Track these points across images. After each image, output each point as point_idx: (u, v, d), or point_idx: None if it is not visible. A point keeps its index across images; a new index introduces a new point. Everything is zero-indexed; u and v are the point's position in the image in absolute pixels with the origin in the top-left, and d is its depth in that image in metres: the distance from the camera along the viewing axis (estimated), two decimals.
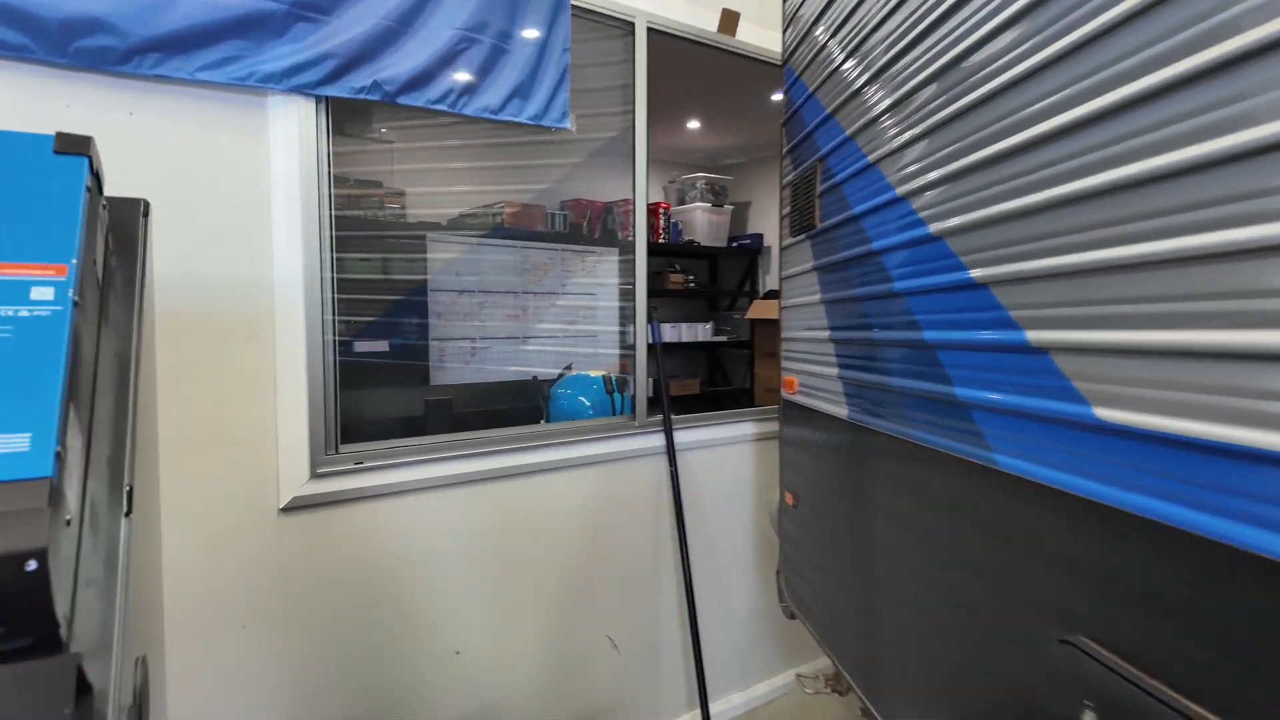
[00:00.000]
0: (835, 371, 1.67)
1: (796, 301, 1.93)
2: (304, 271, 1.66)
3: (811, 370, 1.83)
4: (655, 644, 2.32)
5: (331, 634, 1.72)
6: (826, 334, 1.72)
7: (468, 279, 2.80)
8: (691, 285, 5.10)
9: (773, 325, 4.81)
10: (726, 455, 2.49)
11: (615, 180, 2.44)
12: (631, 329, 2.33)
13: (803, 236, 1.86)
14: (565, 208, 3.79)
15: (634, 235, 2.26)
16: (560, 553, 2.09)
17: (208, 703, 1.58)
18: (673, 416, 2.35)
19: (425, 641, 1.85)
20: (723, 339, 5.11)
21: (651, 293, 2.30)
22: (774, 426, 2.59)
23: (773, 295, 4.94)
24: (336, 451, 1.76)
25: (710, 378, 5.45)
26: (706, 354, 5.42)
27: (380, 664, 1.79)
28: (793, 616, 2.16)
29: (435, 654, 1.87)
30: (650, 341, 2.33)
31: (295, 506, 1.65)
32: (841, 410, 1.63)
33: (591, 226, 3.68)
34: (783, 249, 2.02)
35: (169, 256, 1.51)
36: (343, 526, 1.73)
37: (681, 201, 4.99)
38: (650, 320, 2.32)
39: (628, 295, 2.51)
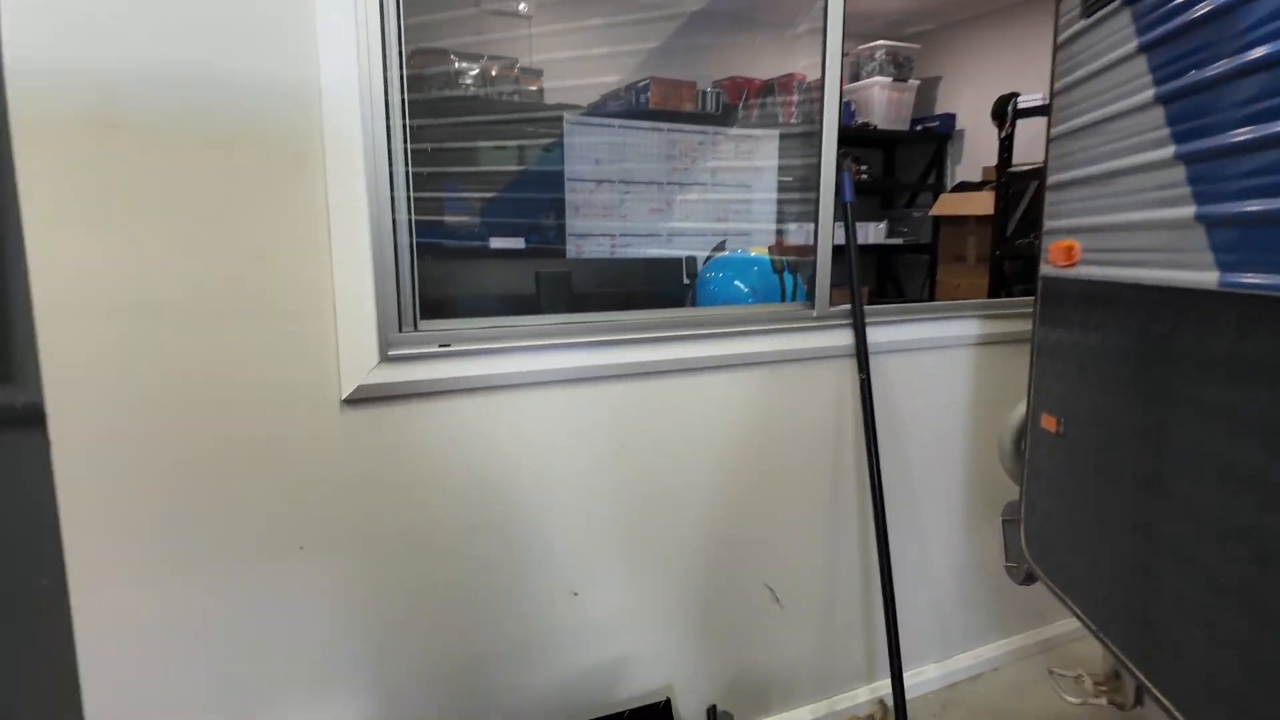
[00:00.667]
0: (1191, 211, 1.03)
1: (1092, 117, 1.23)
2: (357, 72, 1.21)
3: (1124, 221, 1.16)
4: (830, 598, 1.82)
5: (409, 562, 1.36)
6: (1171, 151, 1.07)
7: (608, 168, 2.35)
8: (864, 176, 4.34)
9: (962, 225, 4.13)
10: (937, 363, 1.87)
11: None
12: (815, 198, 1.72)
13: (1115, 4, 1.20)
14: (719, 87, 3.25)
15: (823, 74, 1.65)
16: (708, 478, 1.60)
17: (256, 641, 1.27)
18: (867, 306, 1.75)
19: (532, 579, 1.47)
20: (897, 241, 4.33)
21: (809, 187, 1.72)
22: (1009, 326, 1.94)
23: (966, 187, 4.11)
24: (415, 328, 1.34)
25: (878, 286, 4.69)
26: (876, 258, 4.63)
27: (473, 604, 1.43)
28: (1028, 580, 1.58)
29: (545, 595, 1.48)
30: (844, 200, 1.71)
31: (362, 398, 1.26)
32: (1204, 275, 0.98)
33: (748, 106, 3.11)
34: (1061, 43, 1.35)
35: (160, 41, 1.08)
36: (424, 427, 1.33)
37: (855, 78, 4.19)
38: (841, 171, 1.70)
39: (789, 187, 1.94)
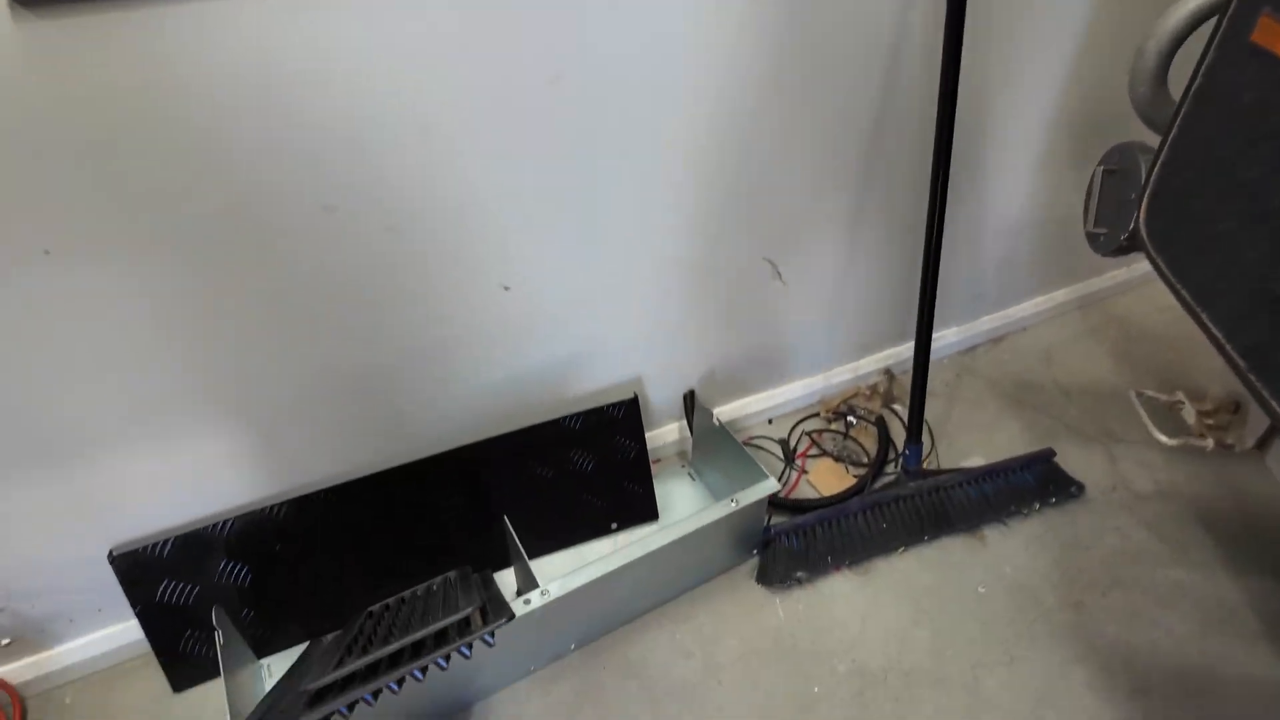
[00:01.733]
0: None
1: None
2: None
3: None
4: (844, 266, 1.42)
5: (250, 259, 0.91)
6: None
7: None
8: None
9: None
10: None
11: None
12: None
13: None
14: None
15: None
16: (690, 116, 1.06)
17: (49, 385, 0.89)
18: None
19: (439, 272, 1.03)
20: None
21: None
22: None
23: None
24: None
25: None
26: None
27: (361, 306, 1.02)
28: (1120, 251, 1.18)
29: (462, 292, 1.07)
30: None
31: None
32: None
33: None
34: None
35: None
36: (194, 40, 0.74)
37: None
38: None
39: None
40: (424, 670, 0.77)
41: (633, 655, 1.20)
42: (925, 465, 1.42)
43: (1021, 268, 1.73)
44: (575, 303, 1.18)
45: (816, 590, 1.28)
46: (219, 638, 0.98)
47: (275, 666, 1.17)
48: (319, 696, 0.74)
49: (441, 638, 0.76)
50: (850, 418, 1.60)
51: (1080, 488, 1.41)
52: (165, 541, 1.07)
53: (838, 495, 1.41)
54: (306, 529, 1.15)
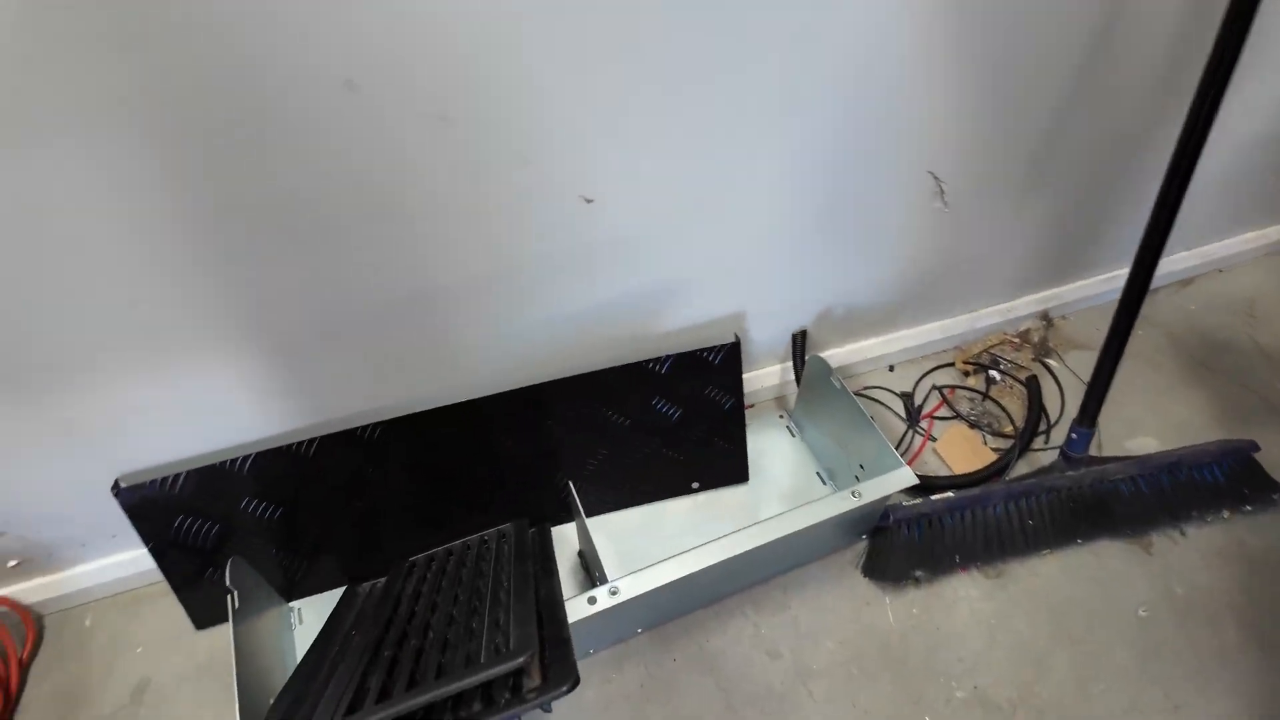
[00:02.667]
0: None
1: None
2: None
3: None
4: (1029, 183, 1.10)
5: (261, 163, 0.68)
6: None
7: None
8: None
9: None
10: None
11: None
12: None
13: None
14: None
15: None
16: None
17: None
18: None
19: (504, 177, 0.77)
20: None
21: None
22: None
23: None
24: None
25: None
26: None
27: (403, 217, 0.77)
28: None
29: (514, 200, 0.82)
30: None
31: None
32: None
33: None
34: None
35: None
36: None
37: None
38: None
39: None
40: None
41: (710, 647, 1.02)
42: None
43: (1238, 193, 1.35)
44: (673, 220, 0.91)
45: (936, 592, 1.06)
46: (232, 600, 0.84)
47: (307, 612, 1.05)
48: None
49: (486, 697, 0.61)
50: (993, 371, 1.32)
51: None
52: (178, 476, 0.91)
53: (973, 475, 1.16)
54: (342, 468, 0.98)
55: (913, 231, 1.10)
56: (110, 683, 1.02)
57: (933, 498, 1.09)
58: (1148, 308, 1.42)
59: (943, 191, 1.04)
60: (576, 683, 0.55)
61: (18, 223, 0.65)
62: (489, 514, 1.09)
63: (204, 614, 1.04)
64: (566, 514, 1.14)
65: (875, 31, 0.80)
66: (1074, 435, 1.09)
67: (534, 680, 0.59)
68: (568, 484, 1.06)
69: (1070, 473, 1.10)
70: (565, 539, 1.13)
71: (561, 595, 0.81)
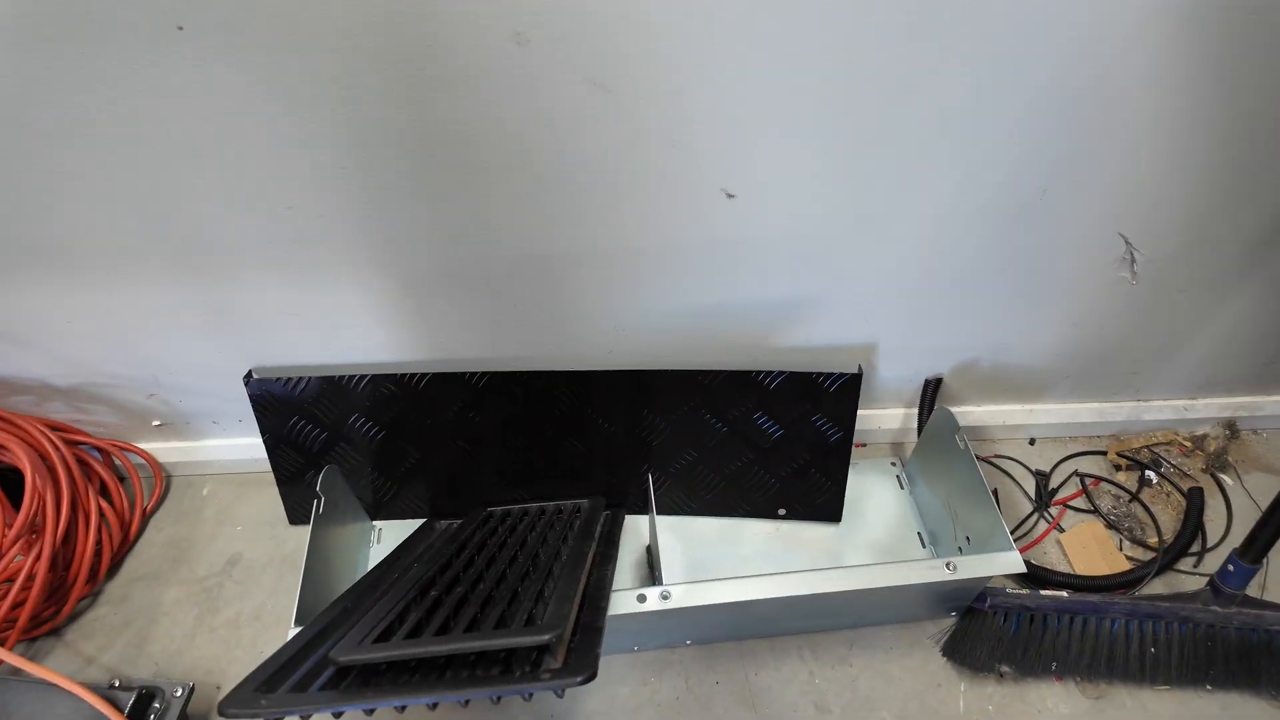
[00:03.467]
0: None
1: None
2: None
3: None
4: (1225, 282, 0.96)
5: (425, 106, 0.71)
6: None
7: None
8: None
9: None
10: None
11: None
12: None
13: None
14: None
15: None
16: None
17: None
18: None
19: (628, 144, 0.76)
20: None
21: None
22: None
23: None
24: None
25: None
26: None
27: (542, 182, 0.78)
28: None
29: (672, 188, 0.79)
30: None
31: None
32: None
33: None
34: None
35: None
36: None
37: None
38: None
39: None
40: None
41: (757, 680, 0.97)
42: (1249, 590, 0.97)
43: None
44: (818, 233, 0.86)
45: (1020, 694, 0.95)
46: (318, 505, 0.90)
47: (387, 532, 1.10)
48: (342, 673, 0.63)
49: (506, 663, 0.61)
50: (1150, 472, 1.16)
51: None
52: (301, 380, 0.99)
53: (1096, 579, 1.03)
54: (446, 408, 1.02)
55: (1088, 298, 0.99)
56: (211, 549, 1.13)
57: (1043, 592, 0.97)
58: None
59: (1134, 260, 0.92)
60: (592, 675, 0.54)
61: (211, 121, 0.71)
62: (575, 484, 1.10)
63: (298, 511, 1.12)
64: (648, 503, 1.13)
65: (1079, 48, 0.71)
66: (1231, 567, 0.92)
67: (555, 661, 0.58)
68: (648, 476, 1.06)
69: (1217, 608, 0.93)
70: (640, 530, 1.12)
71: (610, 584, 0.80)
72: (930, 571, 0.84)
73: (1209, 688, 0.95)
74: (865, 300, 0.98)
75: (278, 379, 1.00)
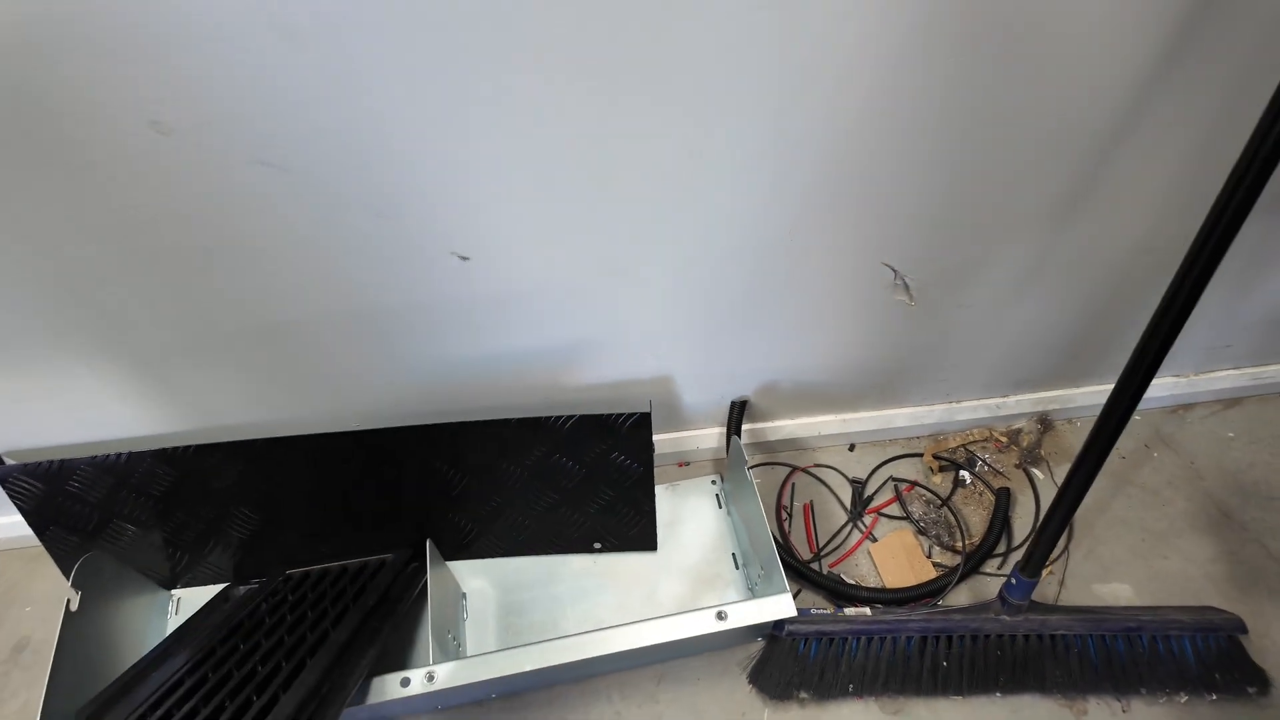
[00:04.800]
0: None
1: None
2: None
3: None
4: (1020, 281, 0.94)
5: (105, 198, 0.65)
6: None
7: None
8: None
9: None
10: None
11: None
12: None
13: None
14: None
15: None
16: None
17: None
18: None
19: (325, 216, 0.71)
20: None
21: None
22: None
23: None
24: None
25: None
26: None
27: (268, 260, 0.73)
28: None
29: (408, 259, 0.74)
30: None
31: None
32: None
33: None
34: None
35: None
36: None
37: None
38: None
39: None
40: None
41: None
42: (1037, 593, 0.97)
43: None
44: (568, 284, 0.82)
45: (821, 715, 0.96)
46: (69, 604, 0.83)
47: (187, 602, 1.04)
48: None
49: None
50: (965, 473, 1.17)
51: (1265, 685, 0.97)
52: (53, 463, 0.89)
53: (901, 592, 1.04)
54: (223, 476, 0.95)
55: (872, 321, 0.97)
56: None
57: (845, 610, 0.99)
58: (1175, 426, 1.28)
59: (906, 285, 0.91)
60: None
61: None
62: (384, 535, 1.05)
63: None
64: (464, 550, 1.09)
65: (799, 86, 0.67)
66: (1014, 580, 0.94)
67: None
68: (454, 525, 1.03)
69: (1005, 618, 0.96)
70: (459, 577, 1.08)
71: (357, 677, 0.77)
72: (701, 623, 0.83)
73: (999, 694, 0.97)
74: (644, 338, 0.94)
75: (28, 464, 0.91)
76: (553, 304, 0.85)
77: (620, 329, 0.91)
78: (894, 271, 0.88)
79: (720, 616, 0.83)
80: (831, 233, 0.82)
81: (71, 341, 0.79)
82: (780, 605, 0.84)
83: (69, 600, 0.86)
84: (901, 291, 0.92)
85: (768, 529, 0.92)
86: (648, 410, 0.96)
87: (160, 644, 0.91)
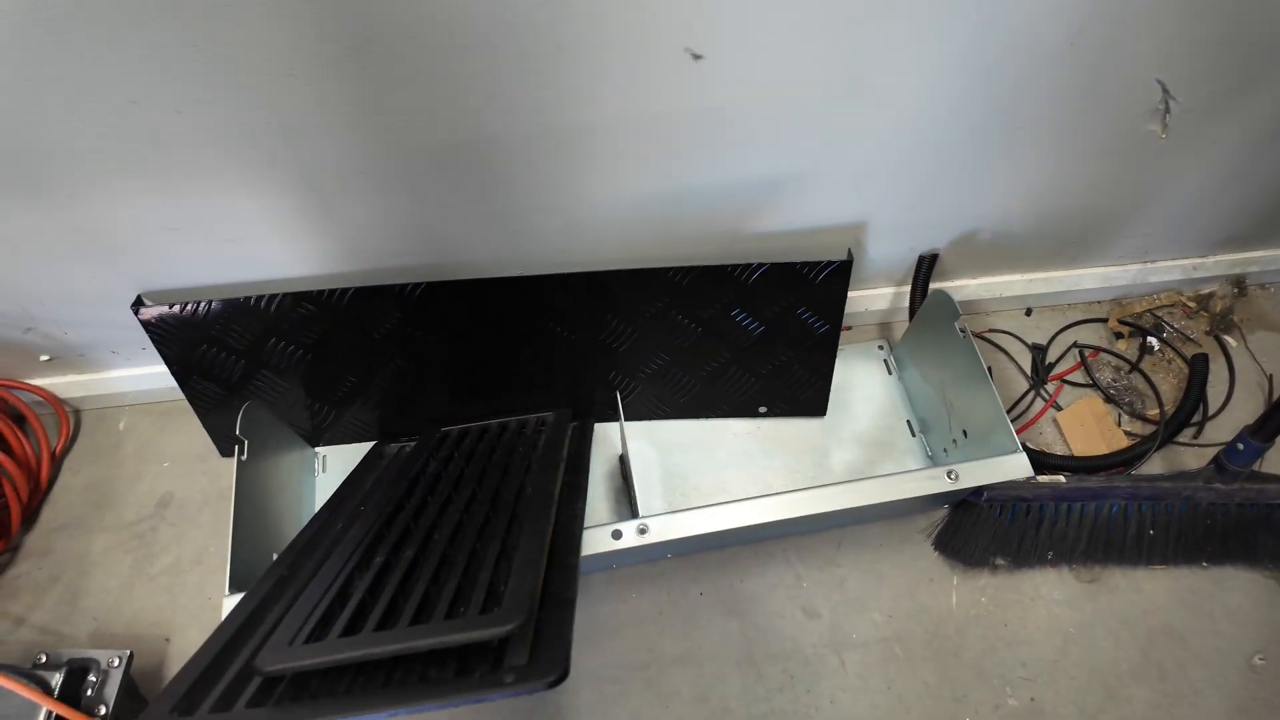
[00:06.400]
0: None
1: None
2: None
3: None
4: (1263, 136, 0.83)
5: None
6: None
7: None
8: None
9: None
10: None
11: None
12: None
13: None
14: None
15: None
16: None
17: None
18: None
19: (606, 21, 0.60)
20: None
21: None
22: None
23: None
24: None
25: None
26: None
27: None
28: None
29: (603, 43, 0.63)
30: None
31: None
32: None
33: None
34: None
35: None
36: None
37: None
38: None
39: None
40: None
41: (742, 588, 0.93)
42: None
43: None
44: (802, 97, 0.71)
45: (1014, 584, 0.93)
46: (240, 451, 0.78)
47: (333, 459, 1.00)
48: (271, 682, 0.55)
49: (463, 657, 0.54)
50: (1152, 339, 1.09)
51: None
52: (200, 304, 0.84)
53: (1094, 459, 0.98)
54: (378, 325, 0.89)
55: (1109, 157, 0.85)
56: (137, 489, 1.02)
57: (1039, 478, 0.91)
58: None
59: (1168, 110, 0.79)
60: (563, 676, 0.48)
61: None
62: (537, 396, 1.00)
63: (228, 443, 1.01)
64: (620, 411, 1.01)
65: None
66: (1240, 445, 0.86)
67: (520, 655, 0.51)
68: (615, 385, 0.96)
69: (1220, 485, 0.89)
70: (610, 438, 1.03)
71: (581, 526, 0.72)
72: (930, 483, 0.77)
73: (1205, 565, 0.93)
74: (857, 172, 0.83)
75: (173, 305, 0.84)
76: (778, 122, 0.73)
77: (835, 157, 0.79)
78: (1164, 91, 0.76)
79: (952, 476, 0.76)
80: (1117, 44, 0.69)
81: (239, 157, 0.69)
82: (1016, 464, 0.77)
83: (239, 447, 0.80)
84: (1157, 120, 0.80)
85: (990, 384, 0.84)
86: (848, 259, 0.87)
87: (332, 497, 0.86)
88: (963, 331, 0.88)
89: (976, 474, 0.77)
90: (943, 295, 0.91)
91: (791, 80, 0.70)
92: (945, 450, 0.96)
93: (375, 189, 0.76)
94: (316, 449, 1.02)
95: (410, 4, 0.57)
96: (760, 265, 0.88)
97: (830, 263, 0.87)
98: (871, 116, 0.75)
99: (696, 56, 0.65)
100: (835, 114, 0.74)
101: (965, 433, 0.91)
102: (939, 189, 0.88)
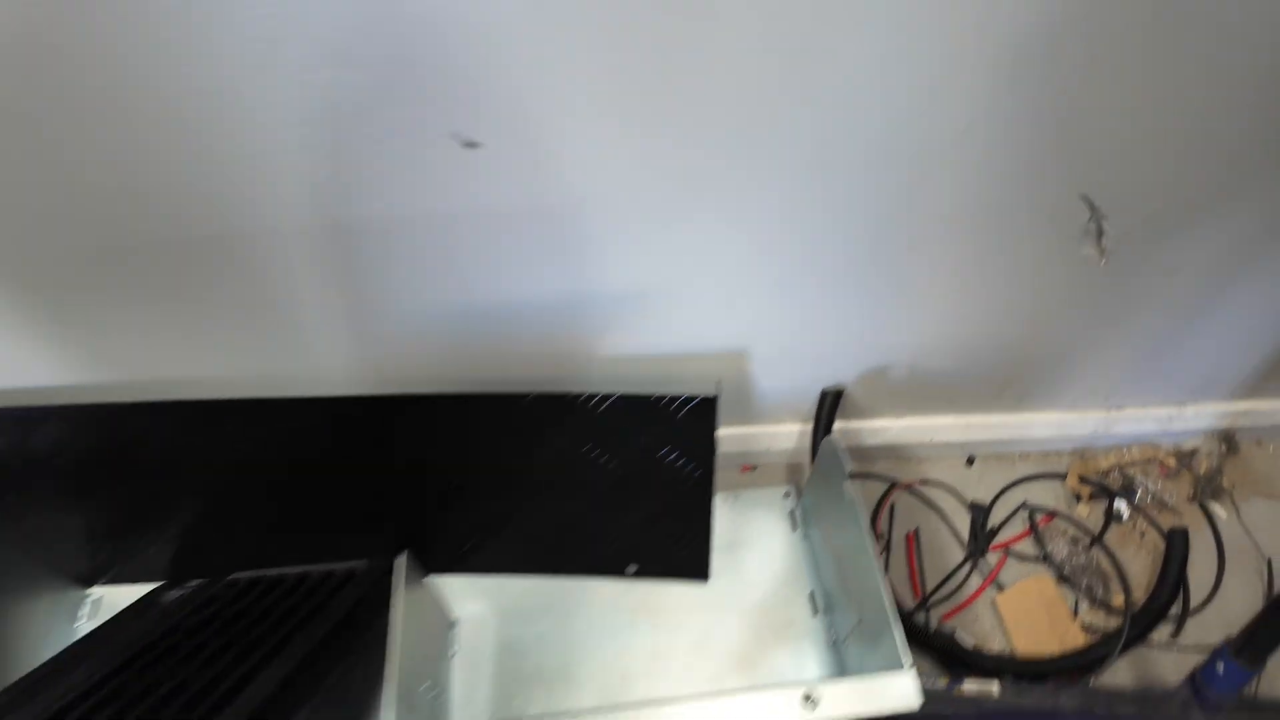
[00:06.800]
0: None
1: None
2: None
3: None
4: (1217, 266, 0.67)
5: None
6: None
7: None
8: None
9: None
10: None
11: None
12: None
13: None
14: None
15: None
16: None
17: None
18: None
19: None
20: None
21: None
22: None
23: None
24: None
25: None
26: None
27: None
28: None
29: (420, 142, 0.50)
30: None
31: None
32: None
33: None
34: None
35: None
36: None
37: None
38: None
39: None
40: None
41: None
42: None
43: None
44: (631, 202, 0.57)
45: None
46: None
47: (113, 602, 0.82)
48: None
49: None
50: (1121, 503, 0.90)
51: None
52: None
53: (1041, 663, 0.78)
54: (154, 446, 0.72)
55: (1037, 282, 0.70)
56: None
57: (964, 686, 0.72)
58: None
59: (1100, 232, 0.66)
60: None
61: None
62: (361, 538, 0.81)
63: None
64: (461, 562, 0.84)
65: None
66: (1220, 667, 0.68)
67: None
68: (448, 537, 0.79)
69: (1198, 716, 0.71)
70: (452, 596, 0.84)
71: None
72: (779, 707, 0.56)
73: None
74: (718, 294, 0.68)
75: None
76: (605, 231, 0.59)
77: (686, 275, 0.65)
78: (1091, 209, 0.62)
79: (809, 701, 0.56)
80: (1018, 144, 0.55)
81: None
82: (898, 689, 0.57)
83: None
84: (1091, 242, 0.66)
85: (876, 568, 0.66)
86: (714, 393, 0.70)
87: (70, 648, 0.67)
88: (850, 494, 0.70)
89: (843, 700, 0.56)
90: (830, 444, 0.74)
91: (600, 177, 0.55)
92: (842, 639, 0.76)
93: (118, 285, 0.61)
94: (90, 590, 0.85)
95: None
96: (608, 395, 0.71)
97: (690, 397, 0.70)
98: (720, 228, 0.60)
99: (470, 144, 0.54)
100: (673, 225, 0.59)
101: (861, 620, 0.71)
102: (825, 314, 0.72)
